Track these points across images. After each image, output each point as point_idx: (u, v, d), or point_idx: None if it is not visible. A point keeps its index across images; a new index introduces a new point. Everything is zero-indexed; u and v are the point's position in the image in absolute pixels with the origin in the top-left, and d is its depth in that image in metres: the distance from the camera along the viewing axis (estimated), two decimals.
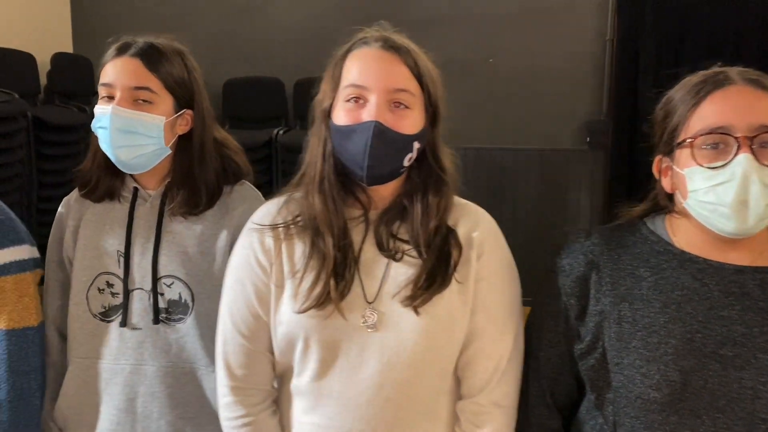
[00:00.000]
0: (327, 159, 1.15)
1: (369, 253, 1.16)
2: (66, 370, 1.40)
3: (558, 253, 1.18)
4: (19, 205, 3.36)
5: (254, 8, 4.55)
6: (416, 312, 1.11)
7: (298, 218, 1.18)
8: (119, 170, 1.39)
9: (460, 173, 1.21)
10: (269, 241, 1.18)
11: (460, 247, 1.16)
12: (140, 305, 1.36)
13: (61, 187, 3.29)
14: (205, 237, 1.38)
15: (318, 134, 1.18)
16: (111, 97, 1.32)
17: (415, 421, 1.14)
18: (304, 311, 1.12)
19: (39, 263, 1.38)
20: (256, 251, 1.19)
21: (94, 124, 1.34)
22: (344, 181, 1.16)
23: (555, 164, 4.32)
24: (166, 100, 1.35)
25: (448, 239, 1.15)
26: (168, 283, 1.36)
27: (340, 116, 1.13)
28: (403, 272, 1.14)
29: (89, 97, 4.12)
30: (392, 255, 1.15)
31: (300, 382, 1.17)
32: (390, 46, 1.13)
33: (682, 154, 1.06)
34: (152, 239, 1.37)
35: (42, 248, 1.43)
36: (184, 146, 1.39)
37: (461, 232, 1.17)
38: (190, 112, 1.39)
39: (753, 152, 0.99)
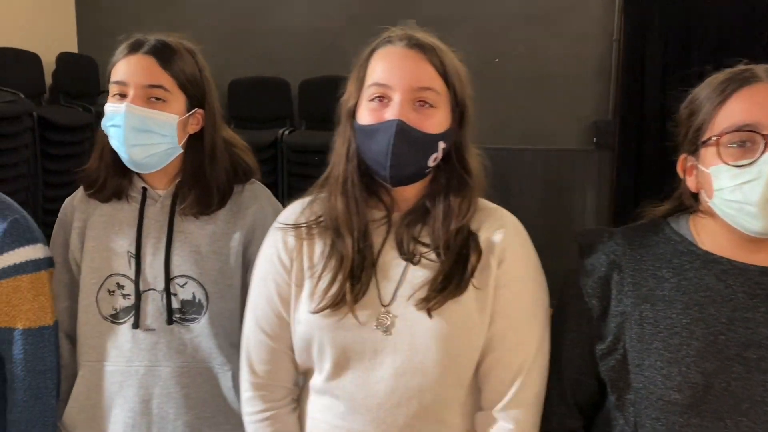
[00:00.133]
0: (351, 159, 1.14)
1: (388, 255, 1.14)
2: (74, 372, 1.39)
3: (581, 252, 1.16)
4: (25, 205, 3.31)
5: (260, 8, 4.55)
6: (429, 315, 1.09)
7: (321, 218, 1.17)
8: (127, 170, 1.38)
9: (489, 176, 1.19)
10: (291, 240, 1.18)
11: (479, 251, 1.13)
12: (153, 306, 1.35)
13: (66, 187, 3.25)
14: (217, 236, 1.37)
15: (343, 134, 1.17)
16: (123, 95, 1.31)
17: (426, 428, 1.12)
18: (319, 311, 1.11)
19: (52, 262, 1.37)
20: (279, 250, 1.19)
21: (105, 122, 1.33)
22: (368, 183, 1.15)
23: (561, 164, 4.32)
24: (179, 99, 1.34)
25: (468, 243, 1.13)
26: (181, 284, 1.35)
27: (364, 116, 1.12)
28: (420, 275, 1.12)
29: (94, 96, 4.12)
30: (411, 258, 1.13)
31: (317, 380, 1.17)
32: (414, 44, 1.11)
33: (708, 153, 1.05)
34: (164, 239, 1.36)
35: None
36: (194, 146, 1.38)
37: (483, 236, 1.15)
38: (201, 111, 1.38)
39: None
